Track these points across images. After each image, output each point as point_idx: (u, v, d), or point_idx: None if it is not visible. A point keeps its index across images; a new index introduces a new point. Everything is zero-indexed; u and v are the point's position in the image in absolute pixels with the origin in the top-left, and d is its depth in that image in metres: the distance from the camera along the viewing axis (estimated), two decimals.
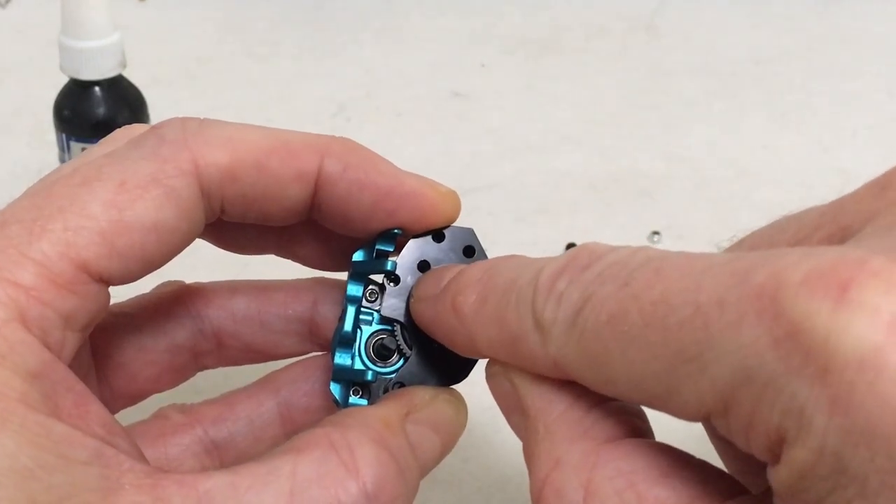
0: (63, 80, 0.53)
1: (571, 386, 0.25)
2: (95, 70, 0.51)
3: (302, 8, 0.84)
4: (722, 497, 0.23)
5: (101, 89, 0.52)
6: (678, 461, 0.23)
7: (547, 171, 0.63)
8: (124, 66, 0.52)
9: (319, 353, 0.35)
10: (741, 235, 0.27)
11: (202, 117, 0.30)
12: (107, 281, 0.27)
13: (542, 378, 0.26)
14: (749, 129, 0.69)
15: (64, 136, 0.53)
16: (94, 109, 0.52)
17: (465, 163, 0.64)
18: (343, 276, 0.33)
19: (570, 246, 0.54)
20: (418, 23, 0.82)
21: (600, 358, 0.23)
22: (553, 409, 0.25)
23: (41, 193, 0.27)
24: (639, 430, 0.25)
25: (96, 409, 0.26)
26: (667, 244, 0.58)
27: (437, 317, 0.29)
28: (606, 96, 0.72)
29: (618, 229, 0.59)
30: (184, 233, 0.28)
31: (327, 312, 0.34)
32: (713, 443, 0.26)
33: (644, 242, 0.57)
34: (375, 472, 0.26)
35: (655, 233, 0.58)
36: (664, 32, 0.82)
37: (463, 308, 0.27)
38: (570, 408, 0.25)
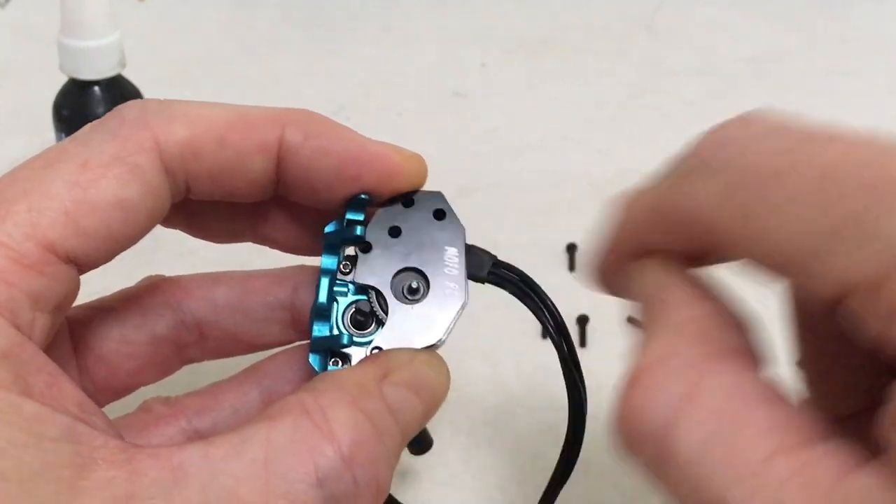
0: (62, 80, 0.53)
1: (713, 301, 0.25)
2: (95, 70, 0.51)
3: (302, 8, 0.84)
4: (820, 435, 0.22)
5: (101, 89, 0.52)
6: (781, 394, 0.23)
7: (547, 171, 0.63)
8: (124, 65, 0.52)
9: (303, 343, 0.34)
10: None
11: (163, 98, 0.30)
12: (74, 261, 0.27)
13: (692, 280, 0.26)
14: None
15: (63, 135, 0.53)
16: (94, 109, 0.52)
17: (465, 163, 0.63)
18: None
19: (571, 246, 0.53)
20: (418, 23, 0.82)
21: (754, 207, 0.23)
22: (690, 308, 0.25)
23: (6, 179, 0.27)
24: (754, 350, 0.25)
25: (69, 388, 0.26)
26: None
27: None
28: (606, 96, 0.72)
29: None
30: (149, 210, 0.28)
31: (307, 298, 0.34)
32: (805, 369, 0.26)
33: None
34: (351, 434, 0.26)
35: None
36: (664, 32, 0.82)
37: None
38: (707, 315, 0.25)
